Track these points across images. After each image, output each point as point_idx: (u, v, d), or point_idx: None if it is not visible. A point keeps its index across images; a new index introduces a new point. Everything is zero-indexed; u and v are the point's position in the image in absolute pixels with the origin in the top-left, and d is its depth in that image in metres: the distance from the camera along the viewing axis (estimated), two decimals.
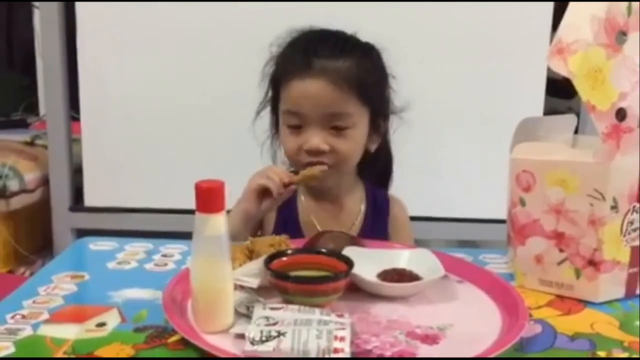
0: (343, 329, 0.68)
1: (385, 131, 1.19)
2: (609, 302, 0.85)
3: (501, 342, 0.70)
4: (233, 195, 0.95)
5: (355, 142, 1.11)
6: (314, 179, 1.05)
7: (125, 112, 2.00)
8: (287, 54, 1.12)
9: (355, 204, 1.20)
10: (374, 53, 1.14)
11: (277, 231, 1.13)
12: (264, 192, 1.04)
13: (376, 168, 1.22)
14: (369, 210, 1.20)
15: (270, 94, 1.17)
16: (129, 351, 0.68)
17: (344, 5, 1.82)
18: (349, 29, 1.14)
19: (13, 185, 1.98)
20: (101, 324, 0.74)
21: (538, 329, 0.77)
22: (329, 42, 1.10)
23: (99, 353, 0.68)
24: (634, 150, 0.82)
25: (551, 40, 0.83)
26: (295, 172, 1.08)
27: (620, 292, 0.87)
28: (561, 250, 0.87)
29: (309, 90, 1.06)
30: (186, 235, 1.13)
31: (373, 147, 1.17)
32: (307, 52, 1.08)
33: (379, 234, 1.15)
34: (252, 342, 0.65)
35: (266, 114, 1.19)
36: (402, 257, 0.90)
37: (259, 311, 0.71)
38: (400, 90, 1.18)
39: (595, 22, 0.80)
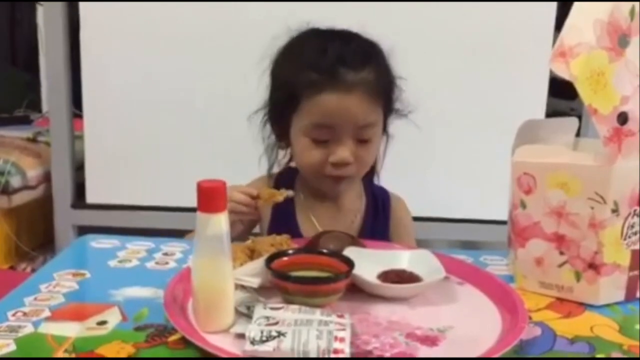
0: (343, 329, 0.68)
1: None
2: (609, 305, 0.86)
3: (501, 344, 0.70)
4: None
5: (376, 149, 1.10)
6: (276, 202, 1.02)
7: (127, 110, 2.01)
8: (307, 62, 1.04)
9: (354, 202, 1.18)
10: (384, 55, 1.10)
11: (273, 227, 1.12)
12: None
13: None
14: (369, 208, 1.18)
15: (280, 99, 1.08)
16: (129, 350, 0.68)
17: (346, 4, 1.82)
18: (345, 27, 1.10)
19: (15, 181, 1.99)
20: (102, 322, 0.74)
21: (537, 331, 0.77)
22: (350, 49, 1.04)
23: (100, 351, 0.68)
24: (636, 154, 0.82)
25: (554, 41, 0.83)
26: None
27: (620, 296, 0.87)
28: (561, 253, 0.87)
29: (343, 104, 1.01)
30: (188, 233, 1.13)
31: (381, 147, 1.15)
32: (332, 62, 1.02)
33: (380, 232, 1.14)
34: (253, 342, 0.65)
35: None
36: (403, 258, 0.90)
37: (259, 311, 0.72)
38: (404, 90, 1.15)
39: (598, 26, 0.80)
